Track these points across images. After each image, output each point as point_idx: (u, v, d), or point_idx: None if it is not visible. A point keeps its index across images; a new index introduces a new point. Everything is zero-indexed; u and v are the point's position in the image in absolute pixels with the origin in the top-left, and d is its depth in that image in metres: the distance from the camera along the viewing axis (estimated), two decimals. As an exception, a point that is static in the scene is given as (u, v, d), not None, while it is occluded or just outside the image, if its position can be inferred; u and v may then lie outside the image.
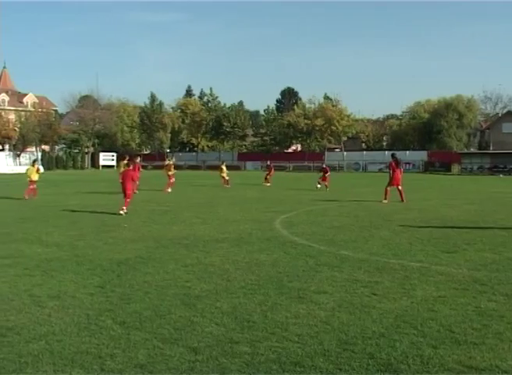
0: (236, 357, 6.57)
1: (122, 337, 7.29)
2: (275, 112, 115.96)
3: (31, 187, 31.23)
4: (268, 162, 51.48)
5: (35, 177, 31.79)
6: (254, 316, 8.18)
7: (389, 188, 27.93)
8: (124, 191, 23.17)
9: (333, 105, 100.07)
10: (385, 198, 27.33)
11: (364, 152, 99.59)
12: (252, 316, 8.14)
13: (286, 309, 8.49)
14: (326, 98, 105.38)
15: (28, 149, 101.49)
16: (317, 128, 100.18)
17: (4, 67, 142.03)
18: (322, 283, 10.14)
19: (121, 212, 22.03)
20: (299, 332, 7.44)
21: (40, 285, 10.18)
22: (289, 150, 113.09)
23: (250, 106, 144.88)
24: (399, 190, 27.83)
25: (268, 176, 46.93)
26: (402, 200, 27.35)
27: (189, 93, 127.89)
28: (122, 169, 28.96)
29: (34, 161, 34.84)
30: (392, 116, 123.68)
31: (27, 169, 33.33)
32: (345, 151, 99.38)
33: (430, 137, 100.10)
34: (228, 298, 9.14)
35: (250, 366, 6.31)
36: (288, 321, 7.92)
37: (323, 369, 6.22)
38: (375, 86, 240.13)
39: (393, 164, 28.65)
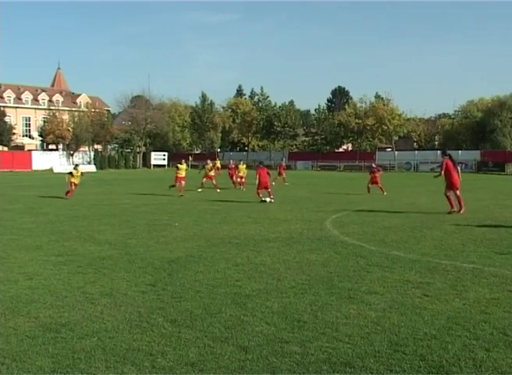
0: (286, 357, 6.57)
1: (173, 335, 7.35)
2: (326, 111, 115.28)
3: (182, 181, 34.88)
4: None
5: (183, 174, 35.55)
6: (305, 315, 8.17)
7: (449, 193, 22.23)
8: (265, 185, 28.60)
9: (384, 105, 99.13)
10: (453, 207, 21.95)
11: (416, 152, 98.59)
12: (302, 316, 8.14)
13: (337, 309, 8.46)
14: (377, 97, 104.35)
15: (81, 149, 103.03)
16: (368, 127, 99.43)
17: (58, 68, 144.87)
18: (373, 284, 10.08)
19: (268, 199, 27.73)
20: (349, 332, 7.42)
21: (92, 283, 10.34)
22: (340, 150, 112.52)
23: (300, 106, 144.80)
24: (457, 196, 22.20)
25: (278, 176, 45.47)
26: (461, 208, 21.96)
27: (239, 93, 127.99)
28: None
29: (183, 160, 37.78)
30: (445, 115, 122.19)
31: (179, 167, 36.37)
32: (396, 150, 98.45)
33: (483, 136, 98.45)
34: (278, 298, 9.15)
35: (300, 365, 6.31)
36: (338, 321, 7.89)
37: (373, 370, 6.19)
38: (426, 85, 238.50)
39: (449, 164, 22.37)
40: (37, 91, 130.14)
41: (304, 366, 6.28)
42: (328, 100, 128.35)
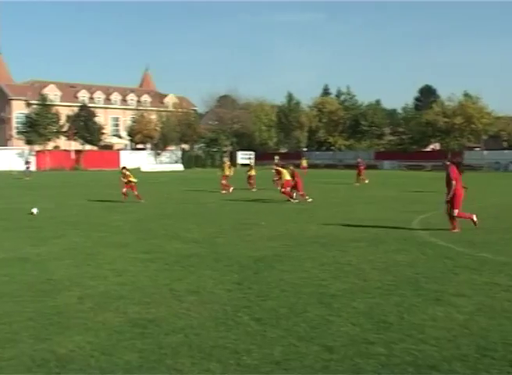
0: (371, 358, 6.53)
1: (259, 334, 7.39)
2: (414, 110, 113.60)
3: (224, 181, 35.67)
4: (359, 160, 47.69)
5: (228, 172, 36.48)
6: (390, 317, 8.10)
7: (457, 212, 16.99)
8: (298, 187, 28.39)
9: (473, 103, 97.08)
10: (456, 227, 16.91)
11: (506, 151, 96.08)
12: (388, 317, 8.06)
13: (423, 311, 8.35)
14: (466, 95, 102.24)
15: (168, 148, 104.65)
16: (456, 126, 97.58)
17: (146, 69, 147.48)
18: (461, 286, 9.90)
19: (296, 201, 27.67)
20: (436, 335, 7.30)
21: (179, 280, 10.50)
22: (428, 149, 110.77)
23: (387, 104, 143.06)
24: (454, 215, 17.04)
25: (358, 176, 45.00)
26: (454, 228, 16.90)
27: (326, 92, 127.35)
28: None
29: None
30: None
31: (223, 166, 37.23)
32: (485, 150, 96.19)
33: None
34: (364, 298, 9.09)
35: (385, 367, 6.26)
36: (425, 323, 7.79)
37: (460, 374, 6.08)
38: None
39: (455, 172, 17.07)
40: (125, 91, 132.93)
41: (388, 368, 6.23)
42: (415, 99, 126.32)
